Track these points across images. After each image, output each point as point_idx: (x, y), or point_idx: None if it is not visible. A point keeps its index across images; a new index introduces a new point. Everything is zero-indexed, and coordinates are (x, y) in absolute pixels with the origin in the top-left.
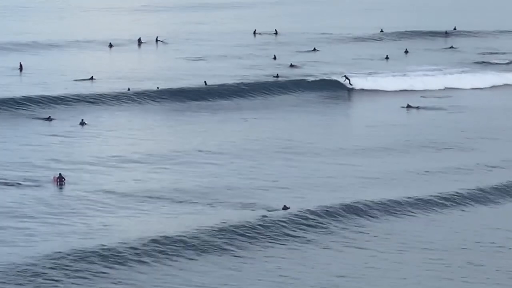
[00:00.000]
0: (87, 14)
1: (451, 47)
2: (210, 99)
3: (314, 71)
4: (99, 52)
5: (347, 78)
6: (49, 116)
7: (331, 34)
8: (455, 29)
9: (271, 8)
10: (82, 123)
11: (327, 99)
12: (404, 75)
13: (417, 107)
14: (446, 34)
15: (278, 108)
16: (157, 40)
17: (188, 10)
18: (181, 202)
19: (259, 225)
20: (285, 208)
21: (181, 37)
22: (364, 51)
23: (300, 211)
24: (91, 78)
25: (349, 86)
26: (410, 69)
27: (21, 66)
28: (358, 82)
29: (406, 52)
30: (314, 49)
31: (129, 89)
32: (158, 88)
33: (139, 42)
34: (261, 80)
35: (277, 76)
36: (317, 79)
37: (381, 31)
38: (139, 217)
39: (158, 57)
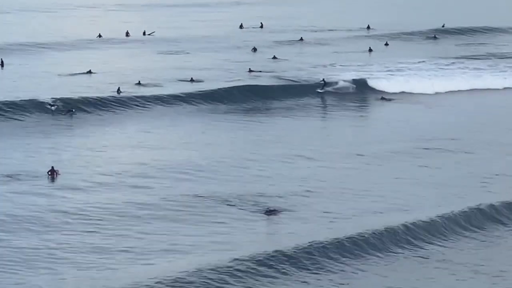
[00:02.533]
0: (71, 12)
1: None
2: (201, 103)
3: (299, 63)
4: (86, 49)
5: (324, 83)
6: (51, 104)
7: (318, 28)
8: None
9: (261, 6)
10: (71, 112)
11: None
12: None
13: (390, 99)
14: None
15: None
16: (144, 34)
17: (176, 9)
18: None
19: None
20: (268, 211)
21: (168, 32)
22: (352, 46)
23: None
24: (89, 72)
25: (320, 90)
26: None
27: (2, 62)
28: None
29: (386, 44)
30: (301, 39)
31: (119, 90)
32: (139, 82)
33: (127, 34)
34: (237, 76)
35: (250, 71)
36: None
37: (368, 27)
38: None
39: (145, 52)
